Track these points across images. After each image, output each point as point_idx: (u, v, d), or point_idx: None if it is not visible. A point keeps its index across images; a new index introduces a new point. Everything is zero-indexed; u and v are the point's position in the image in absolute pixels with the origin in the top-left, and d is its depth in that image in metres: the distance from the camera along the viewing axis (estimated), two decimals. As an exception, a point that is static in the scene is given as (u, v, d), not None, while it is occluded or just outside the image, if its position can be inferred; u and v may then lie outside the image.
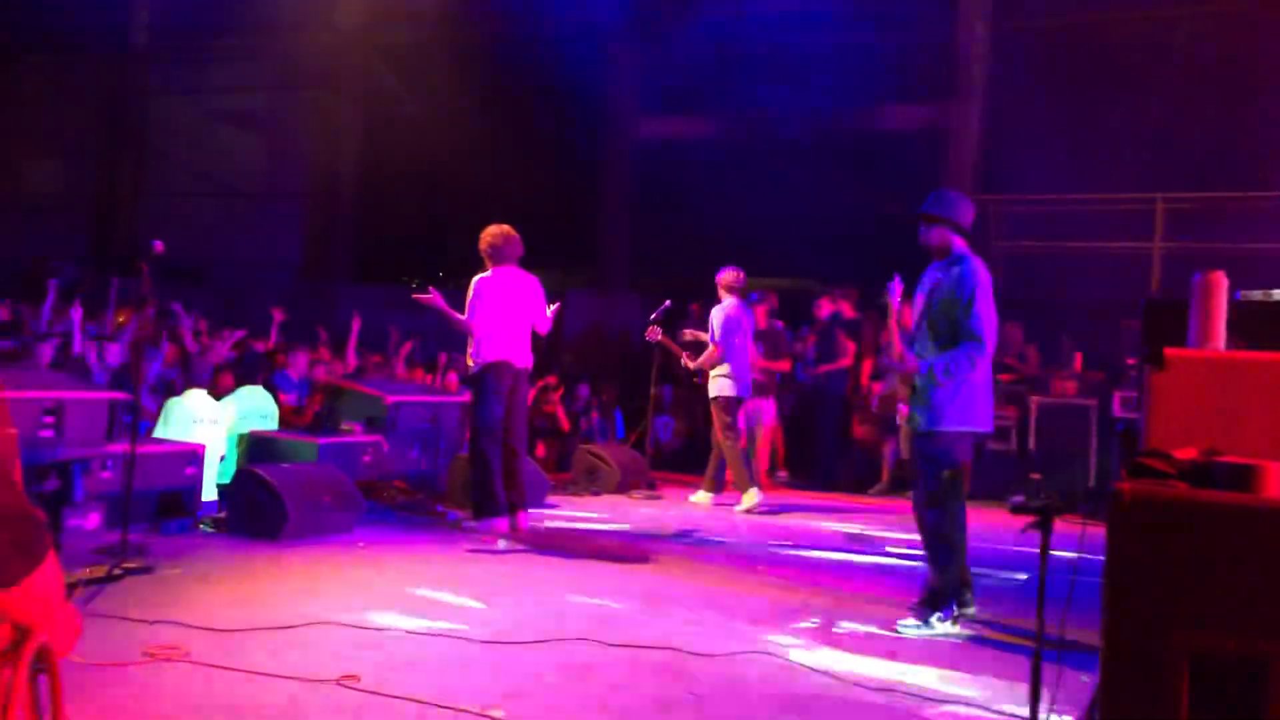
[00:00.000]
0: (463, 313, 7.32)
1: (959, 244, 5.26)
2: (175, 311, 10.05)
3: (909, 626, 5.18)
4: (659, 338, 9.34)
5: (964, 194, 5.50)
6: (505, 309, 7.30)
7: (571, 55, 14.86)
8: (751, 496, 8.81)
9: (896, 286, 5.34)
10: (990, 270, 5.27)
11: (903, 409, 5.47)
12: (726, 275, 9.11)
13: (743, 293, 9.24)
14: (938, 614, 5.18)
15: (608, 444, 10.67)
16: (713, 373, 9.00)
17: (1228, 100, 11.87)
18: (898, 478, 10.08)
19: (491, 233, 7.43)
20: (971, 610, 5.28)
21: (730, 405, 8.95)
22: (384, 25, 15.71)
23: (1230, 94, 11.91)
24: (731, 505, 8.88)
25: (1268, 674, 2.57)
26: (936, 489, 5.18)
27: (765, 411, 10.07)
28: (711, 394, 9.03)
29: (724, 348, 8.95)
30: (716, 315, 9.07)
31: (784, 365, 10.35)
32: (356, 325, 10.57)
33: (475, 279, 7.38)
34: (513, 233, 7.45)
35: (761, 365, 9.79)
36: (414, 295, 7.34)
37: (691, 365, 9.17)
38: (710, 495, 9.18)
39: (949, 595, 5.20)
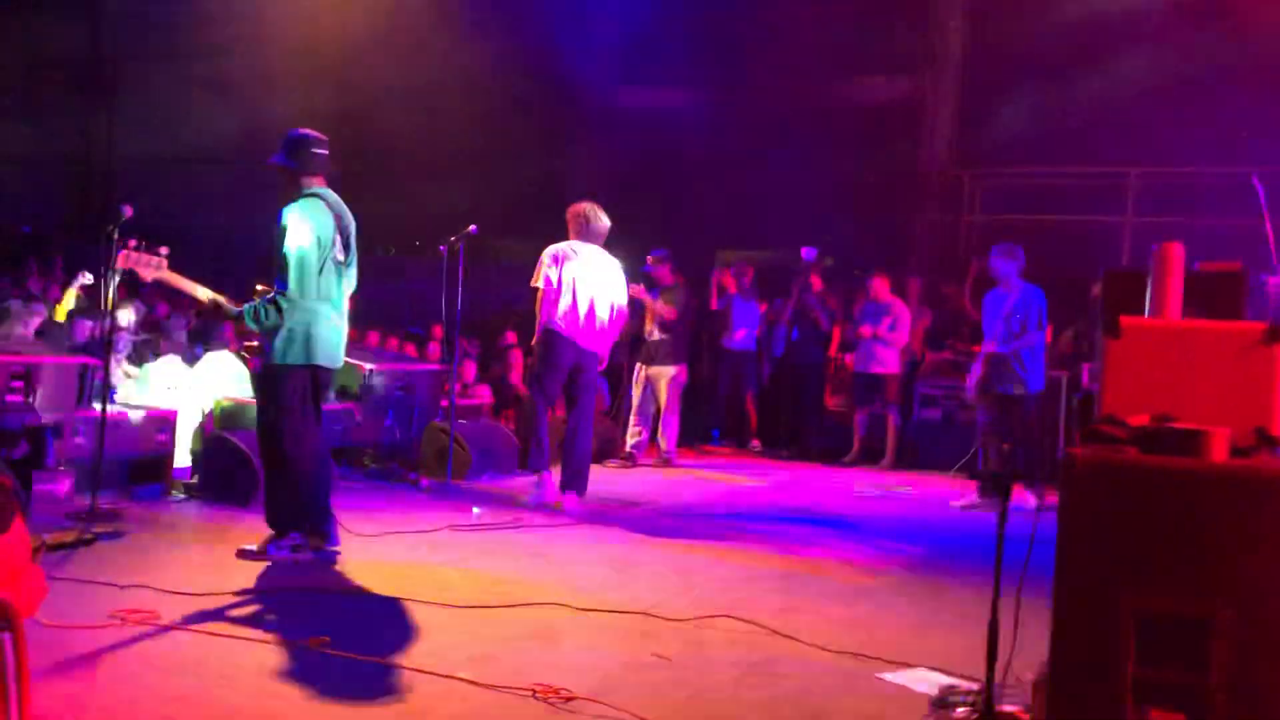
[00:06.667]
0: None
1: (305, 185, 5.61)
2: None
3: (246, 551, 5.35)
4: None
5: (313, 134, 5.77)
6: None
7: (550, 25, 14.76)
8: None
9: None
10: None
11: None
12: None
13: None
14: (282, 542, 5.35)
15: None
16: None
17: (1201, 76, 11.92)
18: (868, 447, 10.19)
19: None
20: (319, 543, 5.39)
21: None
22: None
23: (1204, 69, 11.96)
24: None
25: (1211, 634, 2.64)
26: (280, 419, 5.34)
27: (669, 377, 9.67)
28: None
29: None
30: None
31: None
32: None
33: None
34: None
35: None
36: None
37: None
38: None
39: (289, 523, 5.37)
